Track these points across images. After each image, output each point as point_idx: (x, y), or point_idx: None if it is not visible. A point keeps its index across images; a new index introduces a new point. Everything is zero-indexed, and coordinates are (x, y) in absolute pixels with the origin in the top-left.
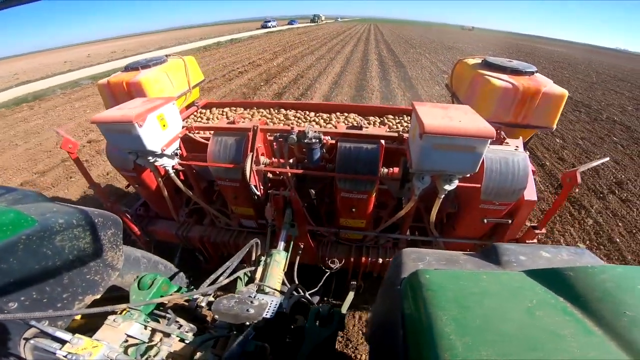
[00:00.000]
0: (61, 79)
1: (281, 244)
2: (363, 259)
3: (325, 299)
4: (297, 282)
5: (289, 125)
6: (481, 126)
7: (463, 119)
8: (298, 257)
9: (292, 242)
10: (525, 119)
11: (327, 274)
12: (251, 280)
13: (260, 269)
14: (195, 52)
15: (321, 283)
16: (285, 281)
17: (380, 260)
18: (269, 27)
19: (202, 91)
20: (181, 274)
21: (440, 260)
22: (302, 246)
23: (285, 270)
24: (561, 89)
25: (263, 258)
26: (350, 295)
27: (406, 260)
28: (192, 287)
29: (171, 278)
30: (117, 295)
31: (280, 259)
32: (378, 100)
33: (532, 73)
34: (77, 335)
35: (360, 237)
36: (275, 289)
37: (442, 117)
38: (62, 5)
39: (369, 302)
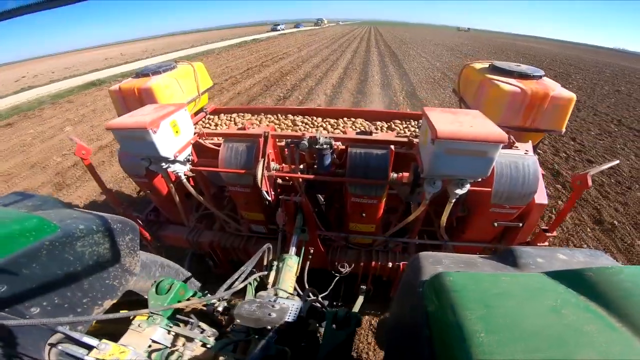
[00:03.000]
0: (136, 65)
1: (292, 249)
2: (373, 263)
3: (335, 303)
4: (307, 286)
5: (296, 130)
6: (493, 131)
7: (474, 124)
8: (308, 262)
9: (303, 247)
10: (534, 123)
11: (337, 278)
12: (262, 285)
13: (272, 274)
14: (230, 48)
15: (331, 287)
16: (296, 286)
17: (390, 265)
18: (279, 30)
19: (259, 67)
20: (193, 278)
21: (458, 263)
22: (312, 251)
23: (298, 274)
24: (569, 93)
25: (275, 263)
26: (360, 299)
27: (424, 263)
28: (207, 292)
29: (184, 282)
30: (132, 300)
31: (292, 263)
32: (377, 68)
33: (540, 77)
34: (104, 340)
35: (370, 242)
36: (290, 293)
37: (453, 122)
38: (73, 10)
39: (379, 306)
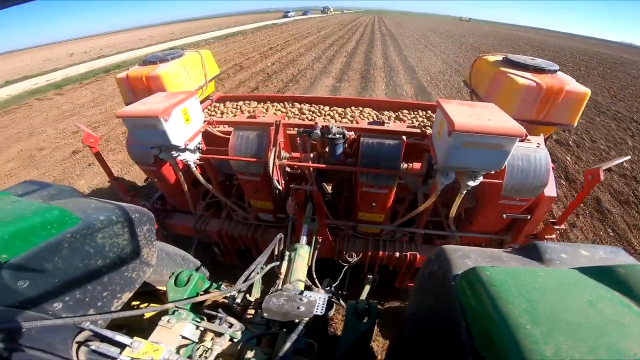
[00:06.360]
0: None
1: (303, 238)
2: (380, 253)
3: (340, 292)
4: (315, 276)
5: (303, 119)
6: (510, 125)
7: (491, 117)
8: (316, 251)
9: (314, 237)
10: (547, 117)
11: (345, 268)
12: (268, 274)
13: (285, 264)
14: (257, 30)
15: (341, 276)
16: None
17: (397, 254)
18: (289, 17)
19: (293, 41)
20: (203, 268)
21: (485, 258)
22: (320, 240)
23: (309, 264)
24: (584, 88)
25: (287, 253)
26: (366, 288)
27: (452, 257)
28: (221, 282)
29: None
30: (143, 291)
31: (304, 253)
32: (379, 42)
33: (555, 71)
34: (136, 338)
35: (378, 231)
36: (302, 282)
37: (470, 115)
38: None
39: (383, 294)
